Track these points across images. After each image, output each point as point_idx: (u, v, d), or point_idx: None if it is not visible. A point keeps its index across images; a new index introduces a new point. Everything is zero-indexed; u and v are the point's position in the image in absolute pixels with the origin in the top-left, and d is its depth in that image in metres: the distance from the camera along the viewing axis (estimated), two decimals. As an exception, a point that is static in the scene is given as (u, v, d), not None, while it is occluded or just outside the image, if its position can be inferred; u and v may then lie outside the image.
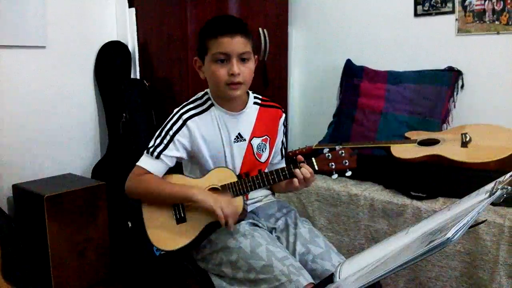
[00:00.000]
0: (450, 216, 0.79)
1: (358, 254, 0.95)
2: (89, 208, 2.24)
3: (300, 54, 3.02)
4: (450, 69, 2.36)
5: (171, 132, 1.37)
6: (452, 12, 2.36)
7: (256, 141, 1.46)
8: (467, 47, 2.35)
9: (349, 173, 1.35)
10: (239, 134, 1.44)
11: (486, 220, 1.66)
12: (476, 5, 2.28)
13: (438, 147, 2.03)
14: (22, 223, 2.22)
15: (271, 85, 2.77)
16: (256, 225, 1.39)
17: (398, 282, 1.91)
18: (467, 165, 1.86)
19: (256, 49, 1.61)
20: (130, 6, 2.62)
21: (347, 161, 1.34)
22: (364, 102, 2.48)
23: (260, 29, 2.63)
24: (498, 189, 0.76)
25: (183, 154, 1.39)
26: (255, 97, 1.49)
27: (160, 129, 1.40)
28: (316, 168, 1.35)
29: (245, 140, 1.44)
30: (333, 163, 1.34)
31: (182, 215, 1.36)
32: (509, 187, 0.77)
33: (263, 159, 1.48)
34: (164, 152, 1.36)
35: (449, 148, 1.98)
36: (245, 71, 1.34)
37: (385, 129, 2.35)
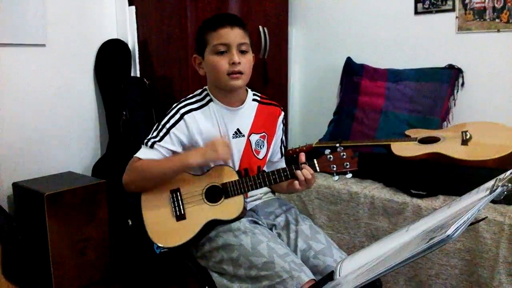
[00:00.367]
0: (450, 214, 0.79)
1: (358, 252, 0.95)
2: (89, 206, 2.24)
3: (300, 52, 3.02)
4: (451, 67, 2.36)
5: (167, 125, 1.37)
6: (453, 10, 2.36)
7: (254, 138, 1.46)
8: (467, 45, 2.35)
9: (349, 175, 1.37)
10: (238, 129, 1.44)
11: (487, 217, 1.66)
12: (477, 3, 2.28)
13: (438, 145, 2.03)
14: (22, 221, 2.22)
15: (271, 83, 2.77)
16: (256, 223, 1.39)
17: (398, 280, 1.91)
18: (467, 163, 1.86)
19: (255, 48, 1.61)
20: (130, 4, 2.62)
21: (348, 163, 1.35)
22: (364, 100, 2.48)
23: (260, 27, 2.63)
24: (499, 186, 0.76)
25: (178, 148, 1.39)
26: (254, 94, 1.50)
27: (158, 122, 1.41)
28: (318, 170, 1.36)
29: (243, 136, 1.45)
30: (334, 165, 1.36)
31: (182, 212, 1.36)
32: (509, 185, 0.76)
33: (261, 156, 1.48)
34: (158, 143, 1.37)
35: (449, 146, 1.98)
36: (245, 62, 1.37)
37: (385, 127, 2.35)
